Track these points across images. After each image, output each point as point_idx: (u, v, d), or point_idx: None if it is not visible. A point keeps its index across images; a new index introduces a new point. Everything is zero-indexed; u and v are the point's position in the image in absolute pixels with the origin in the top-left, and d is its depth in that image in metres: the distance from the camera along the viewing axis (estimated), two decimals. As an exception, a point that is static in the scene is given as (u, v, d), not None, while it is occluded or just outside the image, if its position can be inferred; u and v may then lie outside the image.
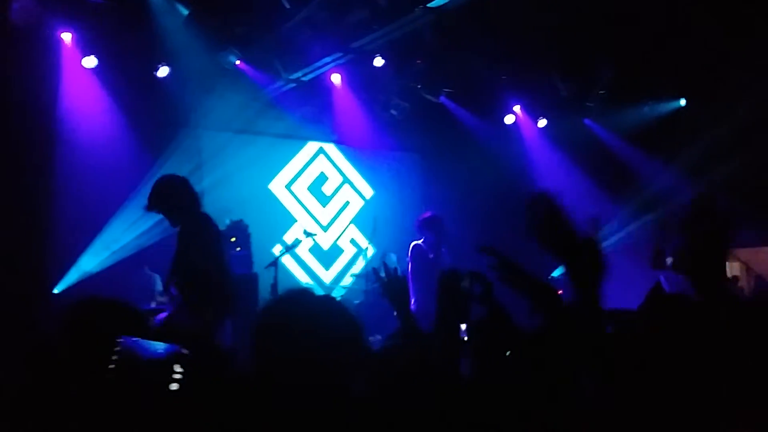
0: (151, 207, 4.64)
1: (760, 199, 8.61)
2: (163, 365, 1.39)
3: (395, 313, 2.87)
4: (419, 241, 6.66)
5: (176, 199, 4.56)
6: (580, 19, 7.26)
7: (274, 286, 6.92)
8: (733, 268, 10.02)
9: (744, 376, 1.88)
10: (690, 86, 9.05)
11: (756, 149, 8.12)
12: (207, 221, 4.62)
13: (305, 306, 1.22)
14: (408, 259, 6.68)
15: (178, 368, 1.26)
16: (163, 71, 7.65)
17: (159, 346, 1.46)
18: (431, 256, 6.54)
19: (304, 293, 1.28)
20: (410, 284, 6.39)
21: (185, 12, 6.82)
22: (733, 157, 8.33)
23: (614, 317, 3.76)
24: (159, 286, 7.54)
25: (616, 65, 8.55)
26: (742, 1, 6.72)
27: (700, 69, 8.36)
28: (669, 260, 2.68)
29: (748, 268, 9.57)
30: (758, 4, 6.74)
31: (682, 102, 9.53)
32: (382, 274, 2.89)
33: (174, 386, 1.29)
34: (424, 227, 6.67)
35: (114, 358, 1.43)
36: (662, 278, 4.01)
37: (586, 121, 9.91)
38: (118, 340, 1.45)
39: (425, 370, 1.96)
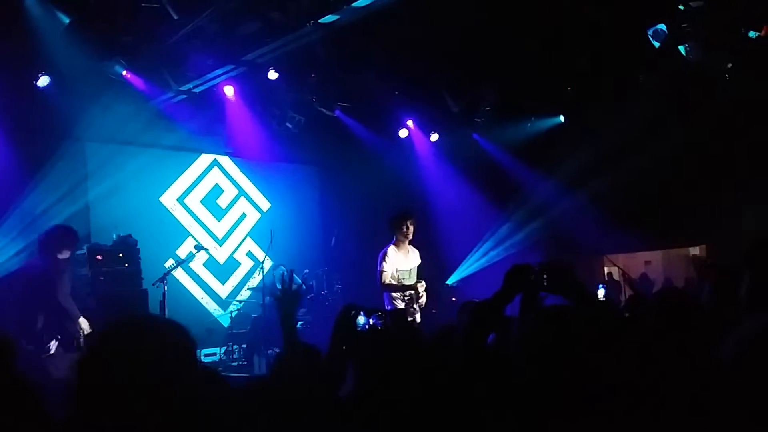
0: None
1: (634, 209, 9.28)
2: None
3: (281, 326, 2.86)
4: (391, 245, 6.39)
5: None
6: (467, 39, 7.59)
7: (163, 302, 6.74)
8: (613, 273, 10.74)
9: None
10: (568, 104, 9.62)
11: (628, 163, 8.75)
12: None
13: (133, 335, 1.22)
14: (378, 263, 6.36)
15: None
16: (43, 80, 7.28)
17: None
18: (402, 256, 6.33)
19: (131, 321, 1.27)
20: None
21: (66, 20, 6.55)
22: (608, 170, 8.93)
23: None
24: None
25: (501, 83, 8.98)
26: (615, 28, 7.24)
27: (577, 89, 8.91)
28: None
29: (623, 273, 10.24)
30: (627, 31, 7.29)
31: (561, 118, 10.11)
32: (279, 287, 2.90)
33: None
34: (392, 227, 6.41)
35: None
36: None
37: (475, 135, 10.32)
38: None
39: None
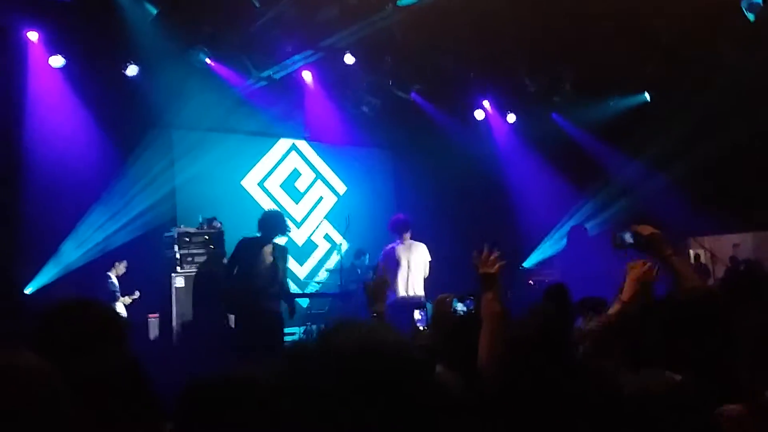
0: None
1: (721, 189, 8.88)
2: None
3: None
4: (394, 244, 6.71)
5: None
6: (545, 17, 7.39)
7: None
8: (700, 256, 10.33)
9: None
10: (653, 81, 9.23)
11: (716, 141, 8.36)
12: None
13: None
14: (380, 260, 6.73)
15: None
16: (132, 70, 7.61)
17: None
18: (402, 257, 6.61)
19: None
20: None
21: (154, 11, 6.80)
22: (695, 148, 8.56)
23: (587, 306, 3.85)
24: (115, 286, 7.62)
25: (581, 61, 8.70)
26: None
27: (663, 65, 8.54)
28: (628, 236, 2.80)
29: (712, 255, 9.85)
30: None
31: (646, 96, 9.71)
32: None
33: None
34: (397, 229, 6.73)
35: None
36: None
37: (554, 115, 10.07)
38: None
39: None
